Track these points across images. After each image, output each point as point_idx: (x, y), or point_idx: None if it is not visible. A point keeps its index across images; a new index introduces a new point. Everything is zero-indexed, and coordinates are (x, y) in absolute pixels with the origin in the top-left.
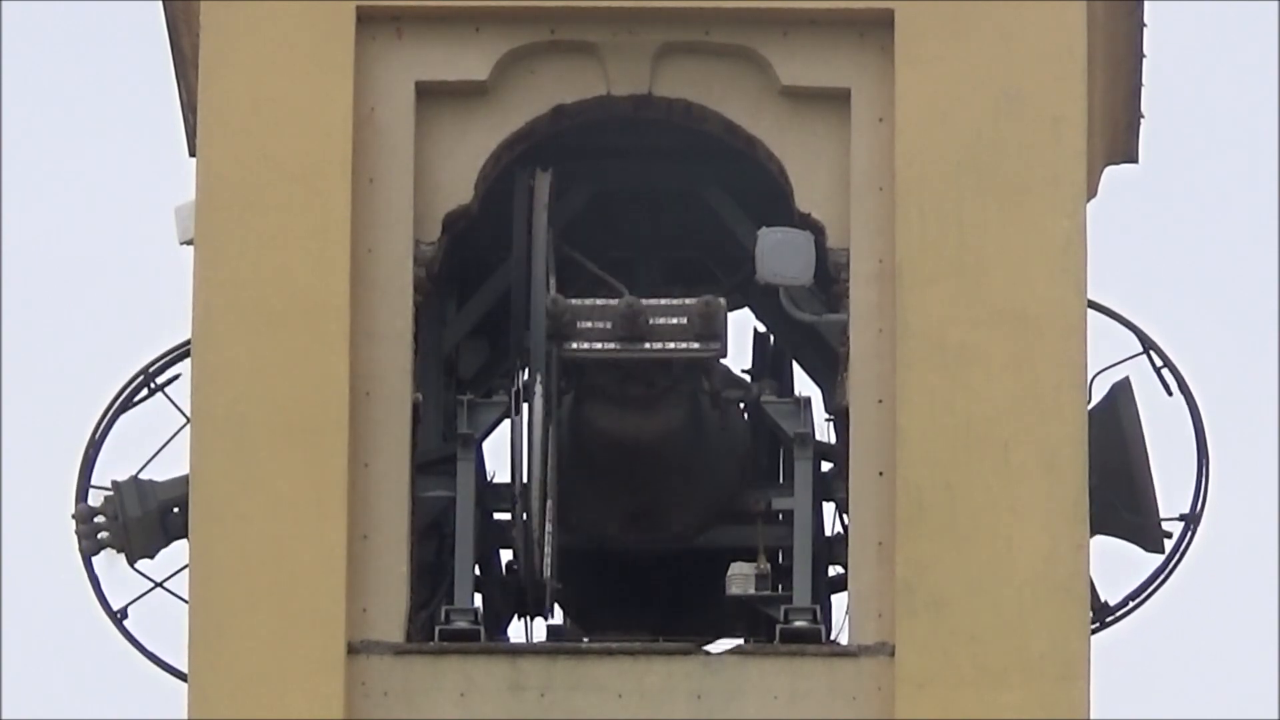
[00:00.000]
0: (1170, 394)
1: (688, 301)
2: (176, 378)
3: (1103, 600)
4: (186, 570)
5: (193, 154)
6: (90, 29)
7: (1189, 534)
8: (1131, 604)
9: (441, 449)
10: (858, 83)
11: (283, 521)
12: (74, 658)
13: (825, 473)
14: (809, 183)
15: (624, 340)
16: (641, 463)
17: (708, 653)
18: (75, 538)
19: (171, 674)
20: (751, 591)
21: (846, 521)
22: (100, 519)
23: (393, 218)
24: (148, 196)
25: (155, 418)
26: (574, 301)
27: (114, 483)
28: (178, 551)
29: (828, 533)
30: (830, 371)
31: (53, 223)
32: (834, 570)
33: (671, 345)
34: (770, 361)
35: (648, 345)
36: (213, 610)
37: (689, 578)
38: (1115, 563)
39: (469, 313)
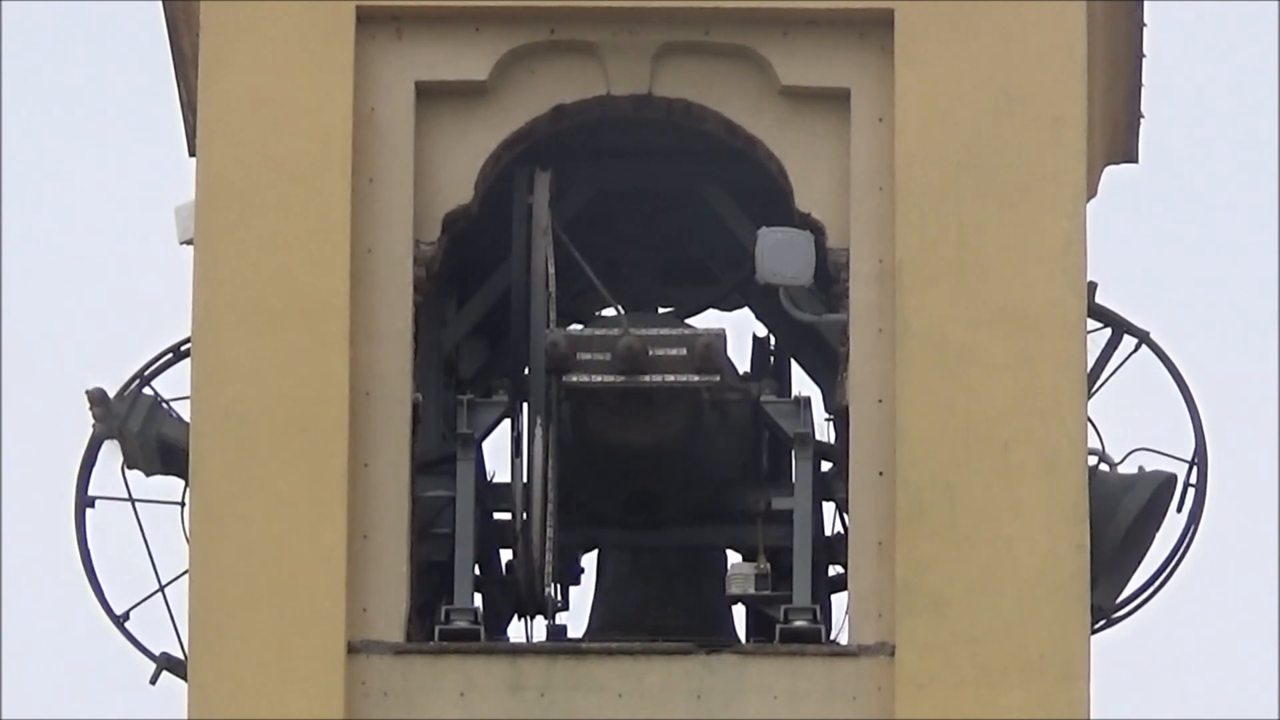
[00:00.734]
0: (1179, 509)
1: (687, 333)
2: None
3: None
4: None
5: (193, 154)
6: (90, 29)
7: (1190, 534)
8: (1134, 603)
9: (441, 449)
10: (858, 83)
11: (283, 521)
12: (74, 658)
13: (825, 473)
14: (809, 183)
15: (624, 373)
16: (640, 462)
17: (707, 651)
18: (90, 416)
19: (172, 674)
20: (751, 591)
21: (846, 521)
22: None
23: (393, 218)
24: (148, 196)
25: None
26: (573, 330)
27: (127, 391)
28: (169, 488)
29: (828, 533)
30: (830, 371)
31: (53, 223)
32: (834, 570)
33: (671, 378)
34: (770, 363)
35: (648, 378)
36: (213, 610)
37: (689, 576)
38: None
39: (469, 313)
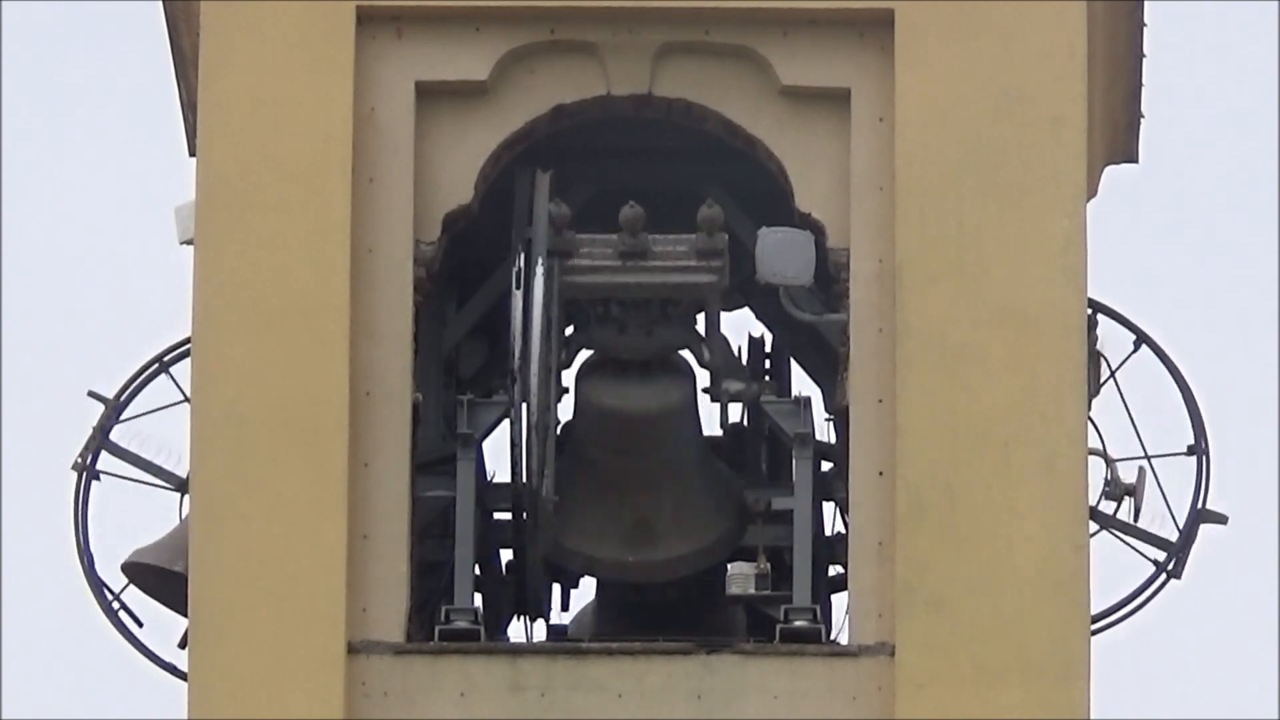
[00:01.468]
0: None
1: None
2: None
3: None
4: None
5: (193, 154)
6: (90, 29)
7: (1190, 532)
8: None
9: (441, 449)
10: (858, 83)
11: (283, 521)
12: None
13: (825, 473)
14: (809, 183)
15: (625, 256)
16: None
17: (708, 651)
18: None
19: (172, 674)
20: (751, 591)
21: (846, 521)
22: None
23: (393, 218)
24: (148, 196)
25: (158, 423)
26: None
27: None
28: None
29: (828, 533)
30: (830, 371)
31: (53, 223)
32: (834, 570)
33: (672, 264)
34: (766, 363)
35: (649, 263)
36: (213, 610)
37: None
38: (1114, 562)
39: (469, 313)
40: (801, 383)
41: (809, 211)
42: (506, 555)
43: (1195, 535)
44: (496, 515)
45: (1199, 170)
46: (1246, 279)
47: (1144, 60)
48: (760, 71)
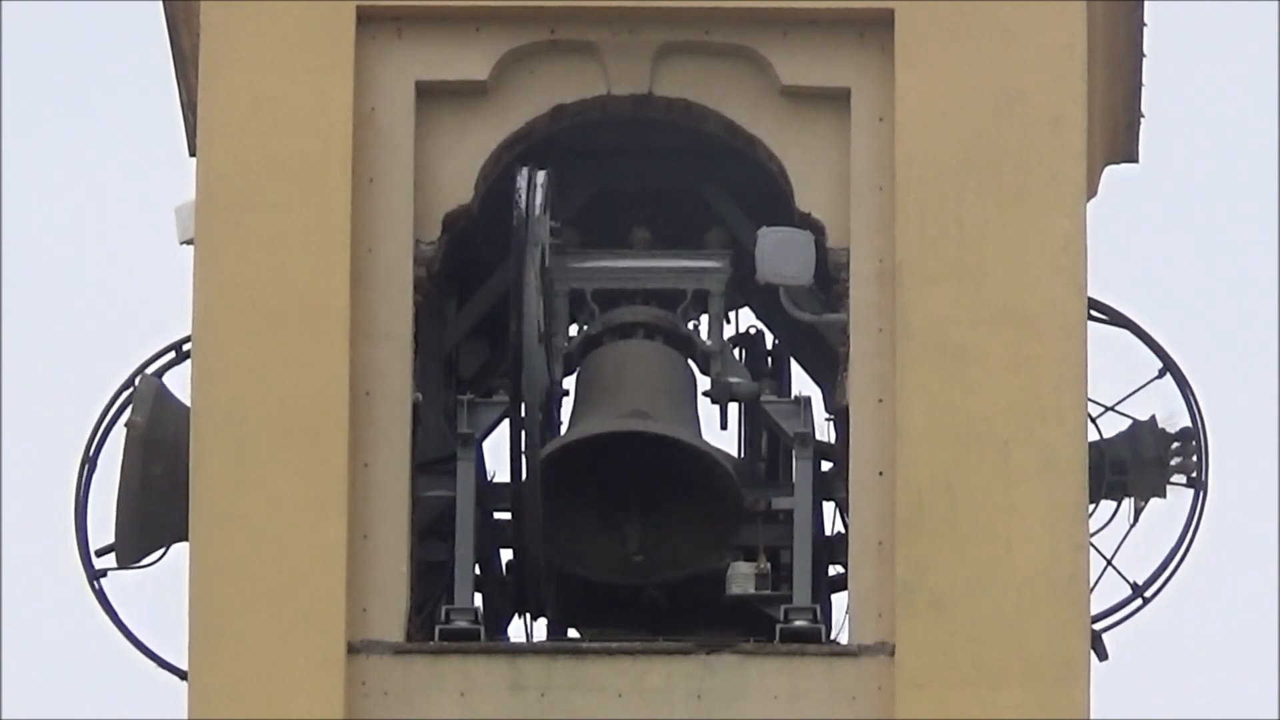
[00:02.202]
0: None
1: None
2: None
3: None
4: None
5: (193, 154)
6: (90, 29)
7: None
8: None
9: (441, 449)
10: (858, 83)
11: (283, 521)
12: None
13: (825, 473)
14: (809, 183)
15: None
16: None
17: (708, 651)
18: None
19: (172, 673)
20: (751, 591)
21: (846, 521)
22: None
23: (393, 218)
24: (148, 196)
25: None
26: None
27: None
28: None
29: (828, 533)
30: (830, 371)
31: (53, 223)
32: (834, 570)
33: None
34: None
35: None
36: (213, 610)
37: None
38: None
39: (469, 313)
40: (801, 382)
41: (809, 211)
42: (506, 555)
43: (1201, 517)
44: (496, 515)
45: (1199, 170)
46: (1246, 278)
47: (1144, 60)
48: (760, 71)
